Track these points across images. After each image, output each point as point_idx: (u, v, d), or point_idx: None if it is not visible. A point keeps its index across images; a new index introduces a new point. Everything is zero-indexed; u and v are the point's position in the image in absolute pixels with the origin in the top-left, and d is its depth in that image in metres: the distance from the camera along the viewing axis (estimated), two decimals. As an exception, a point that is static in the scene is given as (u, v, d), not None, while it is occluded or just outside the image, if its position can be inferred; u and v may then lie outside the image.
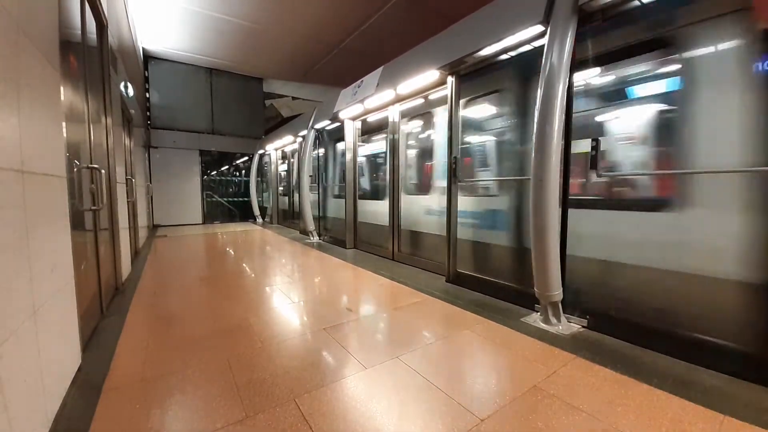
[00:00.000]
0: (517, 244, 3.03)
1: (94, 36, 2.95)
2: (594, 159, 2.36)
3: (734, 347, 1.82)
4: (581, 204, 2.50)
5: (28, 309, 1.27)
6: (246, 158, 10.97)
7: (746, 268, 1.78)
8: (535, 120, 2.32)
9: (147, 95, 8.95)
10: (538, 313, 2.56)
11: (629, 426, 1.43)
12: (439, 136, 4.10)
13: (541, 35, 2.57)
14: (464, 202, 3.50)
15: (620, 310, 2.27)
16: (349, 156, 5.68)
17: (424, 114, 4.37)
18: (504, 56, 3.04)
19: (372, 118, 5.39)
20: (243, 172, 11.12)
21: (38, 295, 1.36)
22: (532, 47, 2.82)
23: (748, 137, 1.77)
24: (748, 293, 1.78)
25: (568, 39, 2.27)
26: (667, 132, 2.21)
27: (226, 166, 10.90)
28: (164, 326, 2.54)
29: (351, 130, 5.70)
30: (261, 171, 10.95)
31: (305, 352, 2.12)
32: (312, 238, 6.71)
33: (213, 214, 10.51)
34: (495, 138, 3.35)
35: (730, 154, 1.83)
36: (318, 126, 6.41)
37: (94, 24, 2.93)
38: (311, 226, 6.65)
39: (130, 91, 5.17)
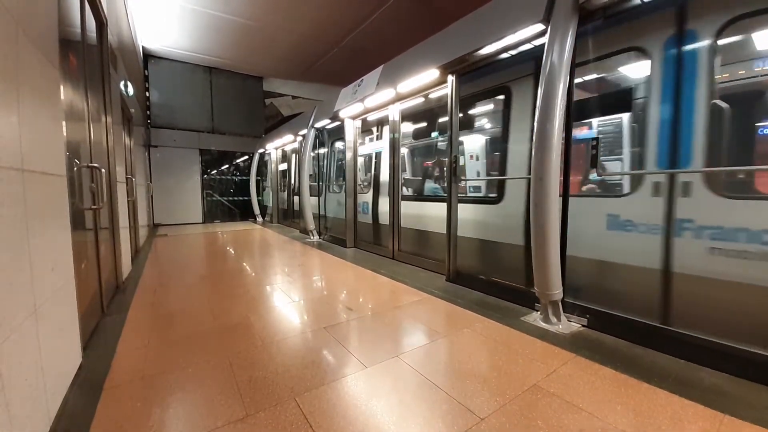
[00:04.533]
0: (516, 243, 3.04)
1: (94, 34, 2.94)
2: (594, 158, 2.36)
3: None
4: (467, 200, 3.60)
5: (28, 307, 1.27)
6: (246, 157, 10.97)
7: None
8: (536, 118, 2.32)
9: (147, 94, 8.94)
10: (538, 312, 2.57)
11: (629, 425, 1.43)
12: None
13: (542, 34, 2.56)
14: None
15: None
16: (349, 155, 5.68)
17: (425, 113, 4.40)
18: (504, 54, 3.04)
19: (372, 116, 5.39)
20: (243, 171, 11.12)
21: (39, 293, 1.36)
22: (533, 46, 2.82)
23: None
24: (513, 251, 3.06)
25: (569, 37, 2.26)
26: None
27: (226, 165, 10.89)
28: (165, 324, 2.54)
29: (351, 128, 5.70)
30: (261, 170, 10.95)
31: (306, 351, 2.12)
32: (312, 237, 6.72)
33: (213, 213, 10.51)
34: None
35: None
36: (318, 125, 6.41)
37: (94, 22, 2.93)
38: (311, 225, 6.66)
39: (130, 90, 5.16)
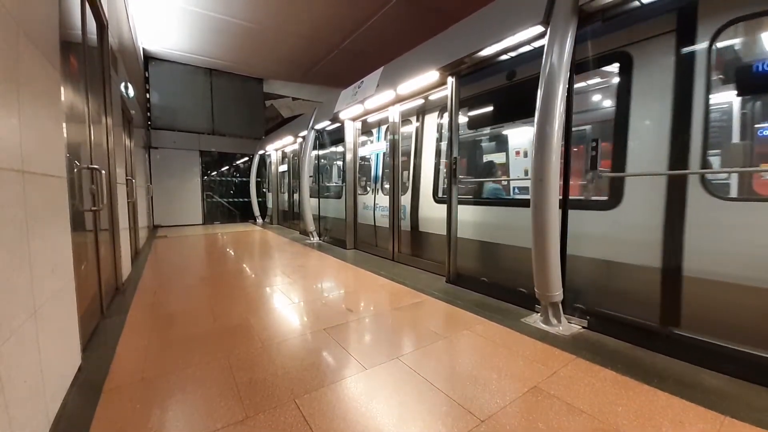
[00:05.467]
0: (516, 245, 3.04)
1: (95, 36, 2.95)
2: (594, 159, 2.36)
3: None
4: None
5: (28, 309, 1.27)
6: (246, 159, 10.98)
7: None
8: (536, 120, 2.33)
9: (147, 96, 8.96)
10: (539, 314, 2.56)
11: (629, 427, 1.42)
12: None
13: (541, 36, 2.57)
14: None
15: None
16: (349, 156, 5.69)
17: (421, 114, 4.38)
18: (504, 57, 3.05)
19: (372, 118, 5.39)
20: (243, 172, 11.13)
21: (38, 295, 1.36)
22: (532, 47, 2.83)
23: None
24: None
25: (568, 39, 2.27)
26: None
27: (227, 167, 10.90)
28: (164, 326, 2.53)
29: (351, 130, 5.70)
30: (261, 171, 10.96)
31: (305, 353, 2.12)
32: (312, 239, 6.72)
33: (213, 214, 10.51)
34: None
35: None
36: (318, 126, 6.42)
37: (95, 24, 2.94)
38: (311, 226, 6.66)
39: (131, 92, 5.17)
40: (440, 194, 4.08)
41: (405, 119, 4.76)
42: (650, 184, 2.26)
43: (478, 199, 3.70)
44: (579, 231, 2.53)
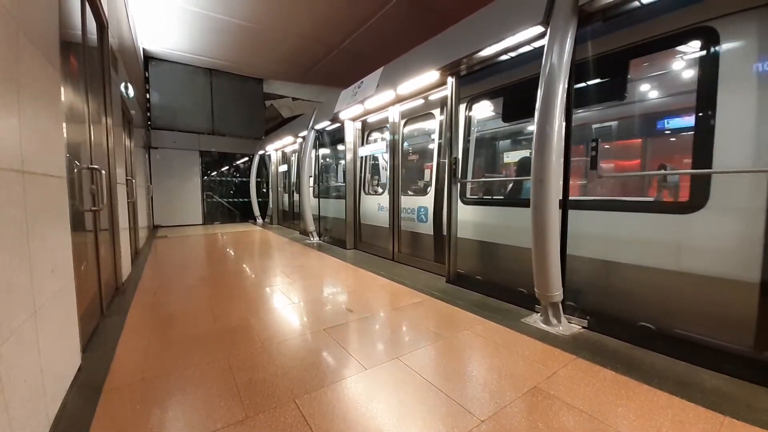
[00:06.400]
0: (516, 245, 3.03)
1: (95, 36, 2.95)
2: (594, 159, 2.36)
3: None
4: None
5: (28, 309, 1.27)
6: (246, 159, 10.98)
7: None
8: (536, 120, 2.33)
9: (147, 96, 8.96)
10: (539, 314, 2.56)
11: (629, 427, 1.42)
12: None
13: (541, 36, 2.57)
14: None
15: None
16: (349, 156, 5.69)
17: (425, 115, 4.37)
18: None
19: (372, 118, 5.39)
20: (243, 172, 11.13)
21: (39, 295, 1.36)
22: (533, 48, 2.82)
23: None
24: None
25: (568, 40, 2.27)
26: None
27: (227, 167, 10.90)
28: (164, 326, 2.53)
29: (351, 130, 5.70)
30: (261, 171, 10.96)
31: (305, 353, 2.12)
32: (312, 239, 6.72)
33: (213, 214, 10.50)
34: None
35: None
36: (318, 126, 6.42)
37: (95, 24, 2.94)
38: (311, 226, 6.65)
39: (131, 92, 5.17)
40: (468, 194, 3.63)
41: (426, 113, 4.38)
42: (747, 182, 1.87)
43: (516, 199, 3.41)
44: (646, 237, 2.22)
